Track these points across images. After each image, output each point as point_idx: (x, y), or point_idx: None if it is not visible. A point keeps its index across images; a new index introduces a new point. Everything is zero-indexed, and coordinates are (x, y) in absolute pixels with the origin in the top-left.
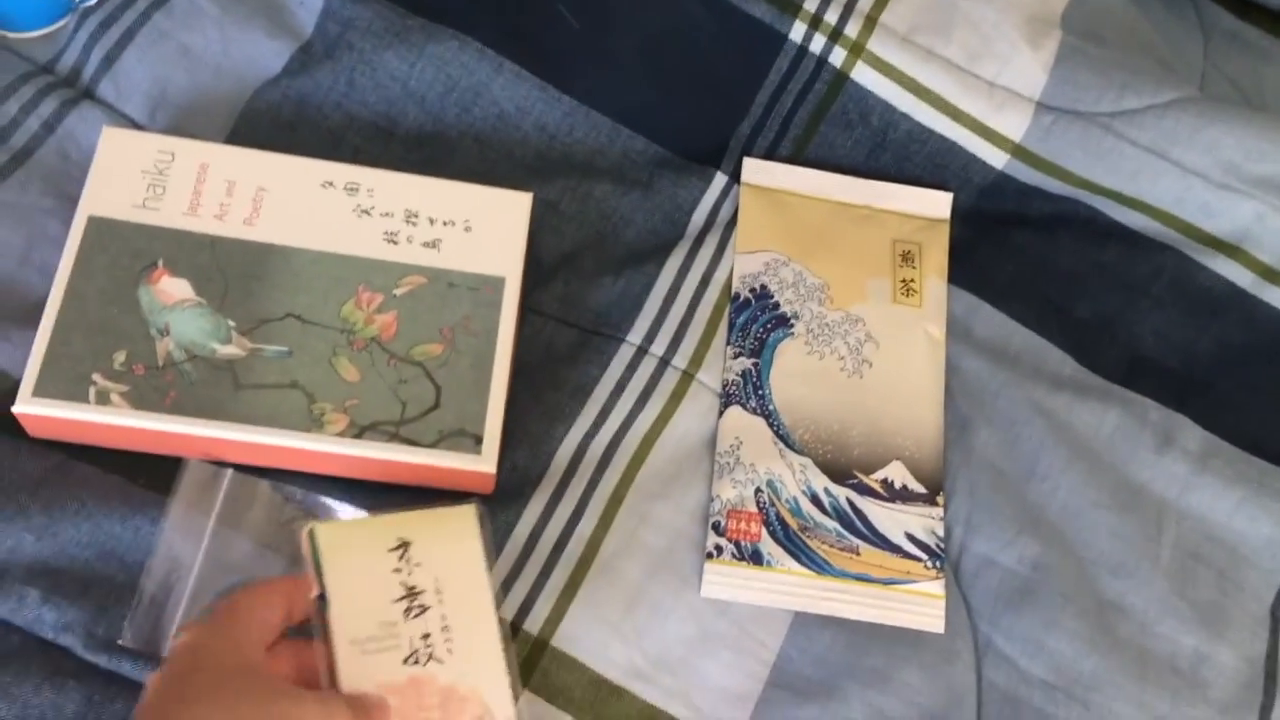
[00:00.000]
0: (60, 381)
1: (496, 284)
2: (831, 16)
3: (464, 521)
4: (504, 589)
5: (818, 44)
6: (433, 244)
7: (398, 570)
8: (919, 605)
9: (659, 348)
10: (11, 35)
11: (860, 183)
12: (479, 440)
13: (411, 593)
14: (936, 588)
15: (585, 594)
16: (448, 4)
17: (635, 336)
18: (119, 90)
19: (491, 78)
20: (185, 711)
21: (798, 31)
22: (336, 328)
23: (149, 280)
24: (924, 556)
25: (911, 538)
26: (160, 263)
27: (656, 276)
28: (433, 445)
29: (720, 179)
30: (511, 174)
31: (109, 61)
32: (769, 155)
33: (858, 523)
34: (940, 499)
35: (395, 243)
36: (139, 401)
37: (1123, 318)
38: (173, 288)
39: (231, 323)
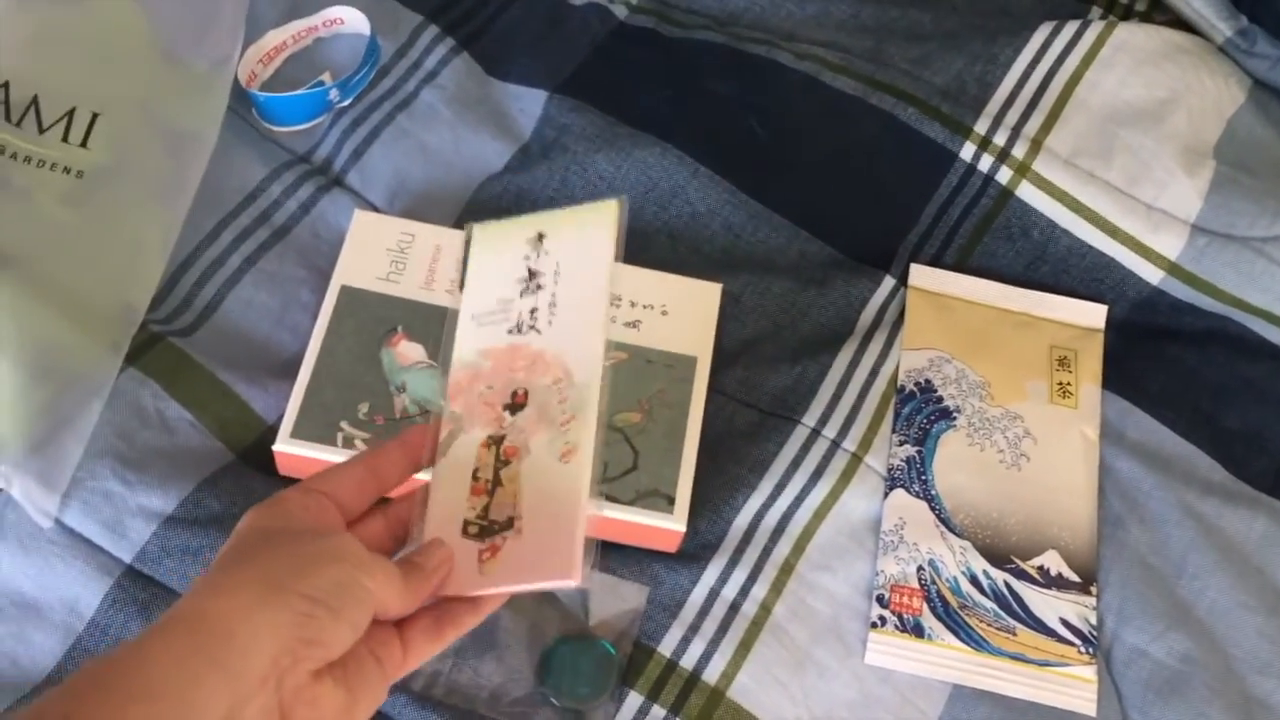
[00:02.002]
0: (313, 426)
1: (689, 362)
2: (1000, 139)
3: (601, 215)
4: (684, 643)
5: (985, 163)
6: (634, 324)
7: (527, 257)
8: (1072, 687)
9: (831, 431)
10: (277, 129)
11: (1020, 291)
12: (671, 501)
13: (531, 275)
14: (1089, 672)
15: (757, 653)
16: (653, 115)
17: (810, 419)
18: (364, 179)
19: (688, 180)
20: (215, 579)
21: (968, 151)
22: None
23: (390, 343)
24: (1077, 642)
25: (1066, 623)
26: (400, 328)
27: (830, 366)
28: (630, 503)
29: (889, 281)
30: (699, 267)
31: (357, 155)
32: (934, 263)
33: (1015, 605)
34: (1094, 589)
35: None
36: None
37: (1271, 430)
38: (410, 351)
39: None
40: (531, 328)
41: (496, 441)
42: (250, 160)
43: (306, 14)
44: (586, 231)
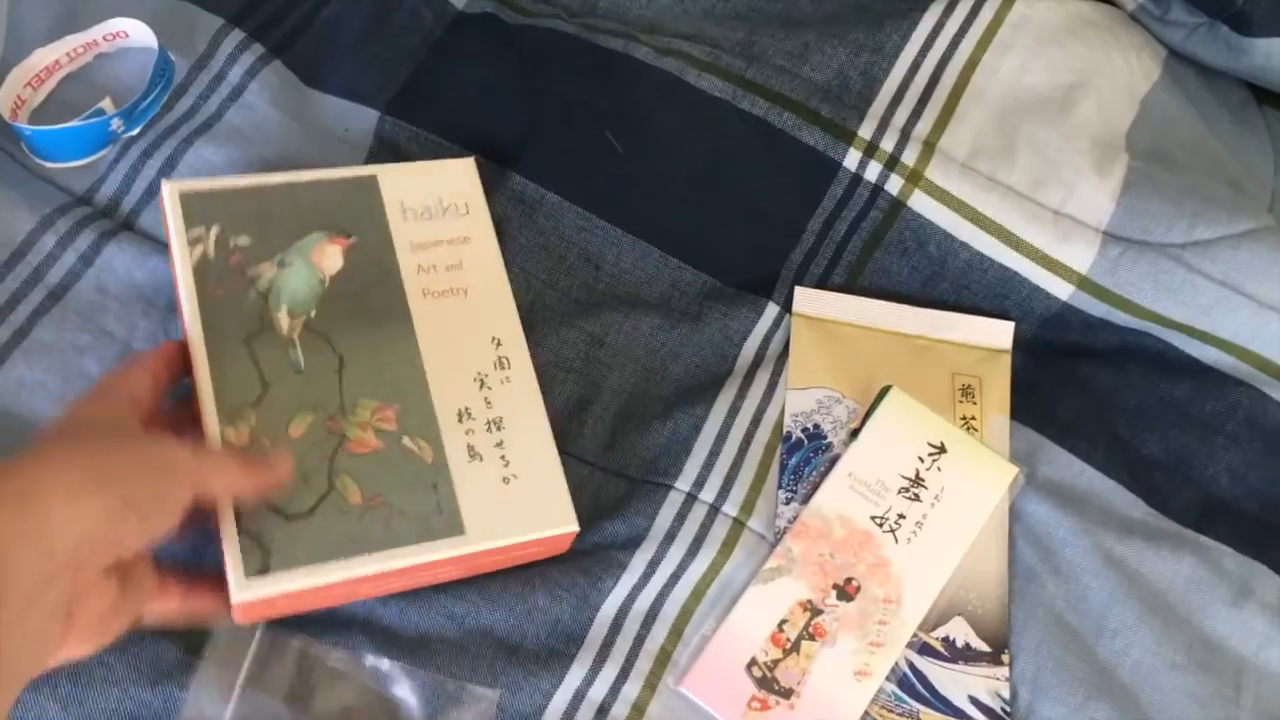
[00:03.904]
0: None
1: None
2: (888, 143)
3: (1000, 475)
4: None
5: (873, 171)
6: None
7: (921, 460)
8: None
9: (709, 494)
10: (49, 165)
11: (917, 311)
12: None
13: (917, 480)
14: None
15: None
16: (497, 134)
17: (684, 483)
18: (160, 221)
19: (535, 208)
20: (57, 452)
21: (852, 159)
22: None
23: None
24: None
25: (975, 701)
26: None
27: (705, 418)
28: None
29: (772, 309)
30: (555, 304)
31: (151, 193)
32: (822, 284)
33: (918, 685)
34: (1005, 657)
35: None
36: None
37: (1196, 457)
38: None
39: None
40: (892, 532)
41: (813, 611)
42: (14, 207)
43: (83, 27)
44: (986, 473)
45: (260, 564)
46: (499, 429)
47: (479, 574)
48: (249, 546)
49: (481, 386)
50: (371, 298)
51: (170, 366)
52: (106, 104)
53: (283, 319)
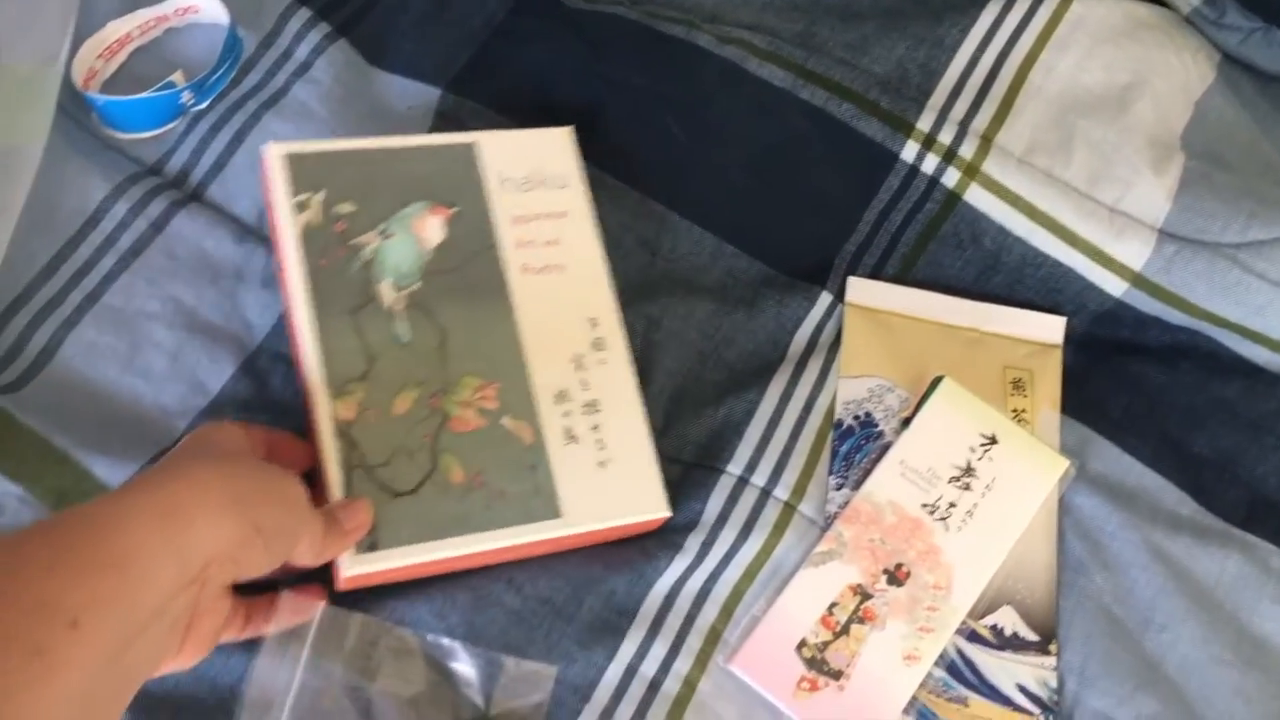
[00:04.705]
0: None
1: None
2: (946, 136)
3: (1052, 467)
4: None
5: (930, 164)
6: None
7: (973, 450)
8: None
9: (760, 478)
10: (120, 136)
11: (968, 304)
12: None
13: (968, 470)
14: None
15: None
16: (556, 118)
17: (736, 467)
18: (228, 192)
19: (595, 192)
20: (200, 471)
21: (910, 151)
22: None
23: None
24: (1035, 710)
25: (1023, 689)
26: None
27: (758, 403)
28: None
29: (825, 298)
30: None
31: (219, 166)
32: (875, 274)
33: (966, 671)
34: (1053, 648)
35: None
36: None
37: (1245, 456)
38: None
39: None
40: (943, 520)
41: (863, 595)
42: (88, 175)
43: (154, 1)
44: (1037, 465)
45: (369, 541)
46: (595, 412)
47: None
48: None
49: (578, 368)
50: (472, 271)
51: (270, 446)
52: (177, 77)
53: (386, 291)
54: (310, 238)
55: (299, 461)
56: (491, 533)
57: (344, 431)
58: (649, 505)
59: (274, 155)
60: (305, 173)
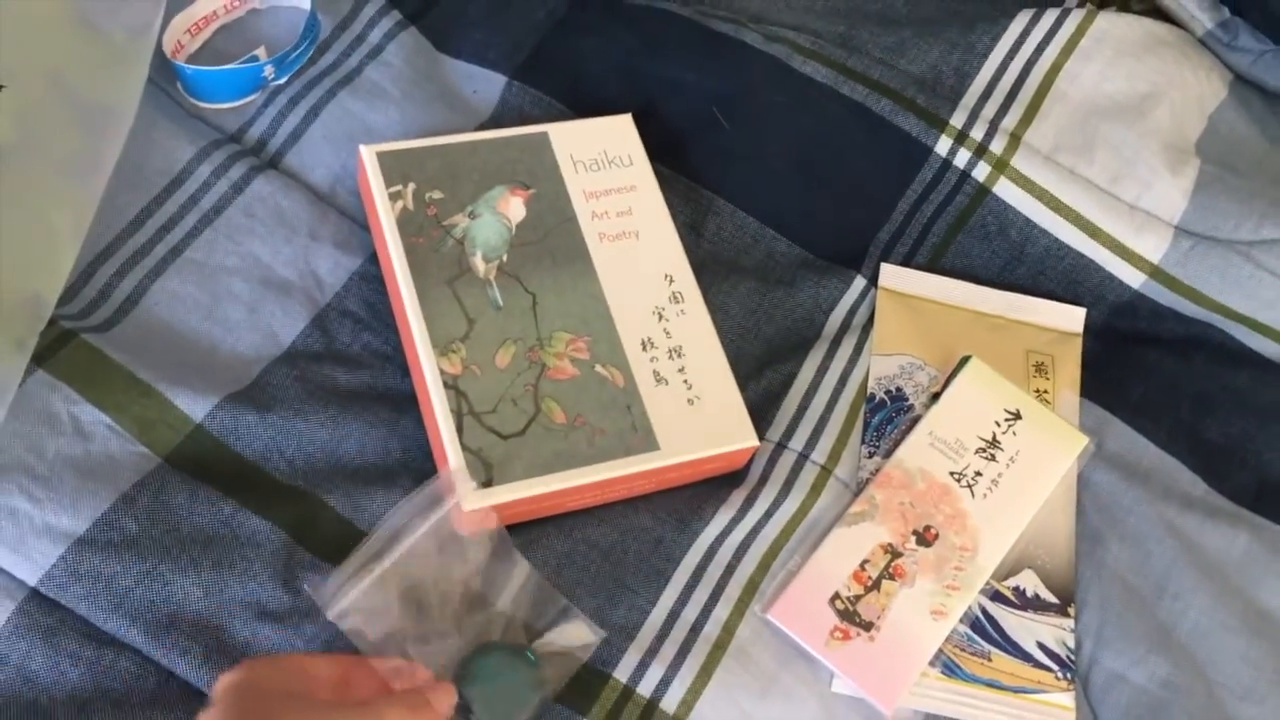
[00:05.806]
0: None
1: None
2: (977, 133)
3: (1070, 444)
4: (641, 668)
5: (962, 158)
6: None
7: (998, 424)
8: (1049, 715)
9: (798, 443)
10: (205, 105)
11: (995, 293)
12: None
13: (993, 442)
14: (1067, 699)
15: (719, 679)
16: (612, 105)
17: (775, 433)
18: (303, 161)
19: None
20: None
21: (943, 145)
22: None
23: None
24: (1055, 667)
25: (1043, 647)
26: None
27: (796, 374)
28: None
29: (859, 282)
30: None
31: (295, 136)
32: (906, 262)
33: (989, 629)
34: (1072, 610)
35: None
36: None
37: (1254, 442)
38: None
39: None
40: (969, 488)
41: (892, 554)
42: (175, 138)
43: None
44: (1058, 440)
45: (485, 477)
46: (680, 356)
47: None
48: (473, 463)
49: (660, 319)
50: (554, 242)
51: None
52: (260, 52)
53: (479, 263)
54: (406, 222)
55: (372, 684)
56: (596, 465)
57: (452, 384)
58: (739, 435)
59: (367, 155)
60: (396, 167)
